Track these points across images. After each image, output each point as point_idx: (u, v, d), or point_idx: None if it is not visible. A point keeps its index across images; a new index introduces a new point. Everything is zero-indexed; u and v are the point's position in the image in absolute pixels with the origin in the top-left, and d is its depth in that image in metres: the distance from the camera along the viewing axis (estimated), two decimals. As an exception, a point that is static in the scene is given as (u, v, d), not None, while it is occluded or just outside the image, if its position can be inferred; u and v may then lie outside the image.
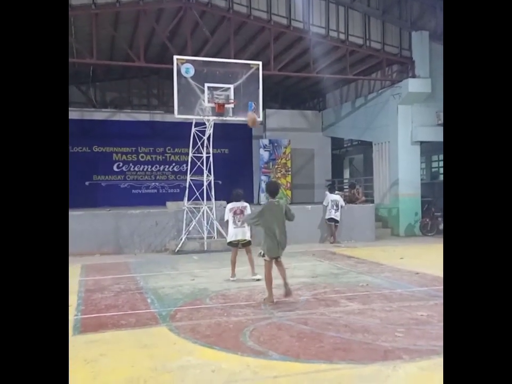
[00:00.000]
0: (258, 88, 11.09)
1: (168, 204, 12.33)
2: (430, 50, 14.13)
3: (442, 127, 14.21)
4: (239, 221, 7.50)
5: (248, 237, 7.58)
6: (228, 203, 7.95)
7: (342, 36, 13.89)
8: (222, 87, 10.78)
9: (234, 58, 11.97)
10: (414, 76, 13.99)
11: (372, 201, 15.00)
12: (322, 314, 5.49)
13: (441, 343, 4.36)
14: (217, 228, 11.41)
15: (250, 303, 6.08)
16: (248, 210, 7.60)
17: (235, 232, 7.54)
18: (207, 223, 11.28)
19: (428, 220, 14.22)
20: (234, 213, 7.55)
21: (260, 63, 11.33)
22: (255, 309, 5.75)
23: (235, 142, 17.14)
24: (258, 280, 7.22)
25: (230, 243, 7.67)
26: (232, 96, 10.80)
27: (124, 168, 16.79)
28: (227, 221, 7.66)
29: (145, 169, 17.02)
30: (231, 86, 10.80)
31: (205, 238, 11.15)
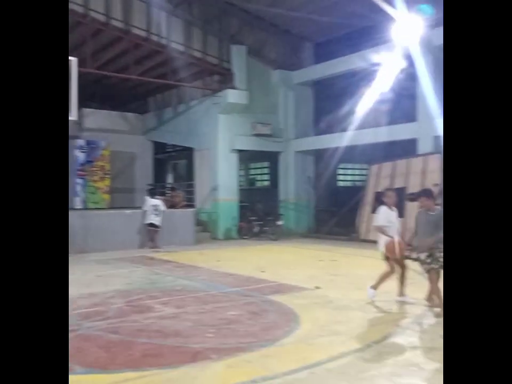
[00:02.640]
0: (71, 85, 10.34)
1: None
2: (247, 64, 15.00)
3: (257, 137, 15.21)
4: None
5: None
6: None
7: (164, 41, 13.87)
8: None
9: (47, 51, 10.99)
10: (233, 87, 14.67)
11: (193, 206, 15.25)
12: (135, 321, 5.34)
13: (248, 340, 4.61)
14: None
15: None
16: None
17: None
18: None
19: (244, 224, 15.01)
20: None
21: (74, 59, 10.59)
22: (61, 322, 5.31)
23: (47, 142, 15.76)
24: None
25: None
26: (42, 92, 9.89)
27: None
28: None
29: None
30: (42, 81, 9.89)
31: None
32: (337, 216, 15.05)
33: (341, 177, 20.05)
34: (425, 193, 5.93)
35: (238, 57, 14.84)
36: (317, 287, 7.09)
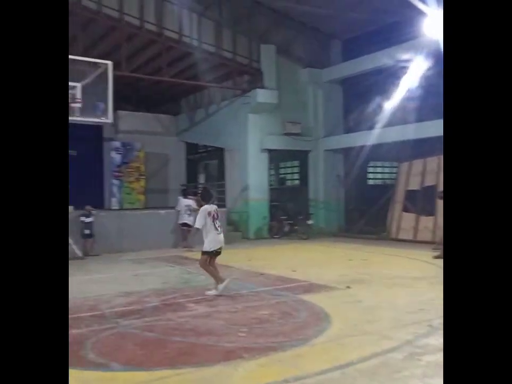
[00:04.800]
0: (108, 88, 10.67)
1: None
2: (276, 63, 15.06)
3: (287, 136, 15.23)
4: (219, 226, 6.91)
5: None
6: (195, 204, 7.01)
7: (195, 43, 14.08)
8: (67, 86, 10.15)
9: (83, 56, 11.33)
10: (262, 87, 14.74)
11: (224, 206, 15.41)
12: (169, 319, 5.51)
13: (279, 339, 4.69)
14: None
15: (95, 313, 5.83)
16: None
17: (220, 239, 6.93)
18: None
19: (275, 223, 15.09)
20: (213, 217, 6.82)
21: (110, 62, 10.92)
22: (100, 319, 5.53)
23: (84, 144, 16.22)
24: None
25: (211, 252, 6.94)
26: (79, 96, 10.22)
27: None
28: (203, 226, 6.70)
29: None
30: (78, 85, 10.22)
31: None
32: (367, 215, 14.95)
33: (370, 176, 19.85)
34: None
35: (267, 57, 14.90)
36: (348, 287, 7.11)
